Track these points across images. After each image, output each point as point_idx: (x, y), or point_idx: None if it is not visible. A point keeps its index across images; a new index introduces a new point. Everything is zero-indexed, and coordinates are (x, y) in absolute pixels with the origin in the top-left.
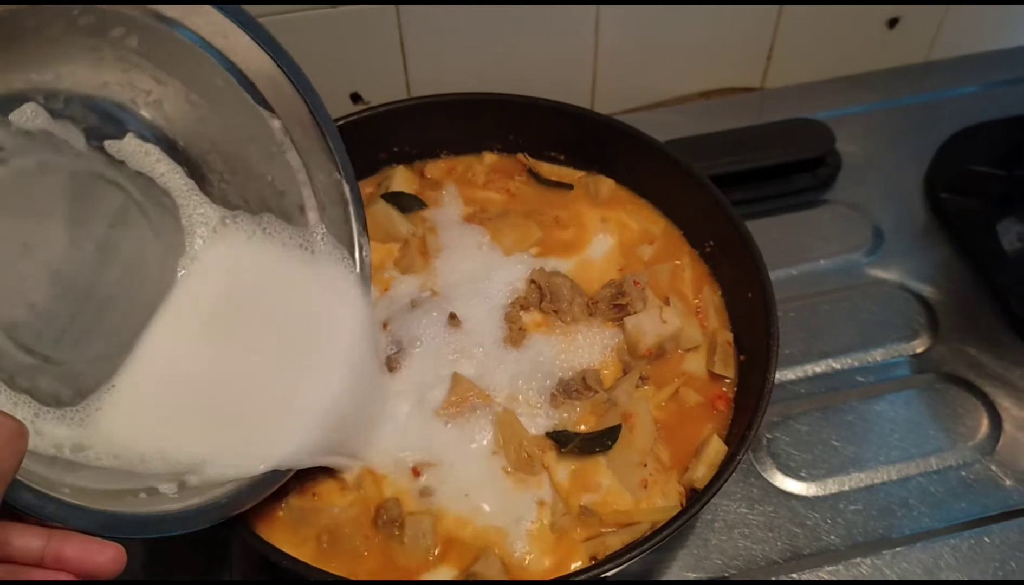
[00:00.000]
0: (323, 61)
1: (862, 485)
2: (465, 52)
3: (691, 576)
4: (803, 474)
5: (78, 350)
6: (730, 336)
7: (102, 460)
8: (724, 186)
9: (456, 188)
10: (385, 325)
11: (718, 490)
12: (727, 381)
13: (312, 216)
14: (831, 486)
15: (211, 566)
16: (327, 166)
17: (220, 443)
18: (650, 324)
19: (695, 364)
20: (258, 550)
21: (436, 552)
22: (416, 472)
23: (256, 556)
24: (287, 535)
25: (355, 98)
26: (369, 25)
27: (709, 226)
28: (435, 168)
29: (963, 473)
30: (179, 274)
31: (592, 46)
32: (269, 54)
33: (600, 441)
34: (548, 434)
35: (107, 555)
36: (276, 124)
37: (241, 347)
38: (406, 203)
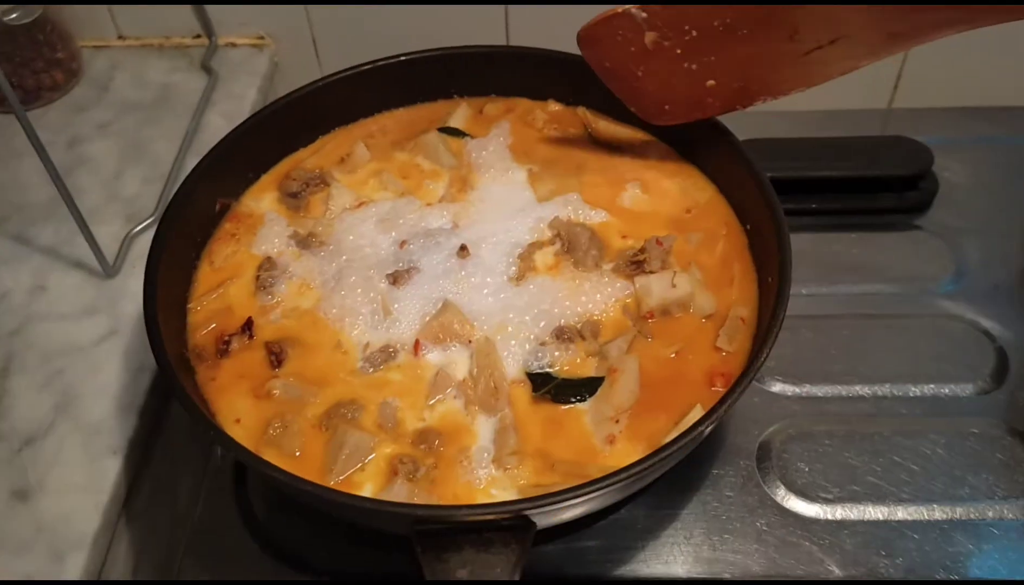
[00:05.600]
0: None
1: (871, 518)
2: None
3: (663, 572)
4: (810, 494)
5: None
6: (745, 313)
7: None
8: (803, 191)
9: (509, 125)
10: (403, 244)
11: (672, 453)
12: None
13: None
14: (837, 512)
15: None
16: None
17: None
18: (658, 286)
19: (701, 332)
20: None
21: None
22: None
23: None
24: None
25: None
26: None
27: (750, 204)
28: (495, 106)
29: (994, 530)
30: None
31: None
32: None
33: (577, 390)
34: (527, 374)
35: None
36: None
37: None
38: (455, 135)
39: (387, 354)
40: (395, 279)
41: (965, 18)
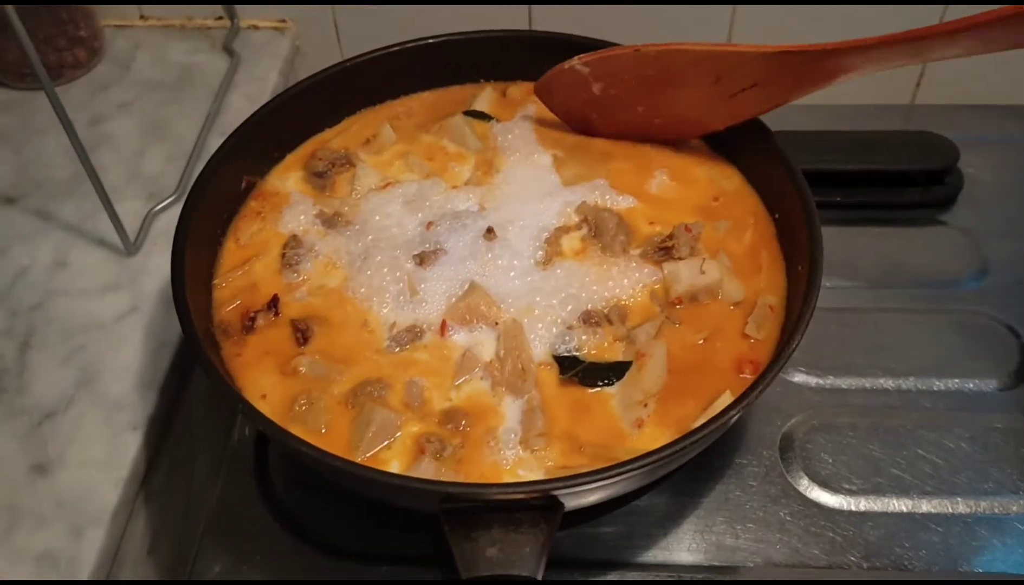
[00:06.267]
0: None
1: (894, 511)
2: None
3: (684, 559)
4: (833, 485)
5: None
6: (774, 301)
7: None
8: (829, 184)
9: (535, 109)
10: (429, 225)
11: (702, 437)
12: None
13: None
14: (861, 504)
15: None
16: None
17: None
18: (687, 273)
19: (730, 319)
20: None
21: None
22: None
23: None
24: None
25: None
26: None
27: (780, 194)
28: (519, 89)
29: (1019, 525)
30: None
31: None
32: None
33: (605, 374)
34: (555, 357)
35: None
36: None
37: None
38: (480, 118)
39: (414, 334)
40: (421, 260)
41: (859, 65)
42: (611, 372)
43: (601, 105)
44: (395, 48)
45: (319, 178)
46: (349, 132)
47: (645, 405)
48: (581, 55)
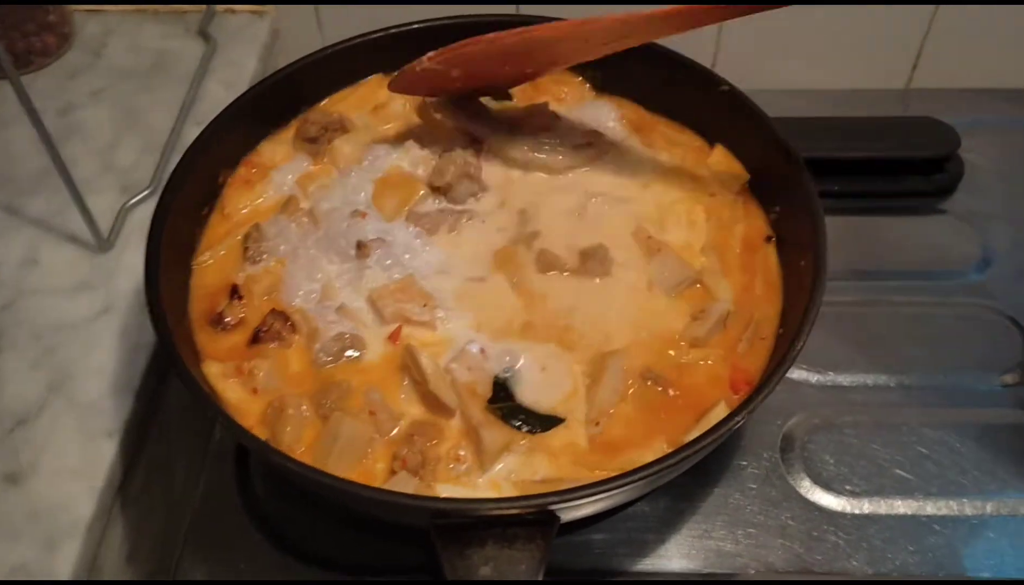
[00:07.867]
0: None
1: (899, 513)
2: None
3: (682, 566)
4: (835, 487)
5: None
6: (772, 312)
7: None
8: (826, 173)
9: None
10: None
11: (701, 449)
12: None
13: None
14: (864, 506)
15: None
16: None
17: None
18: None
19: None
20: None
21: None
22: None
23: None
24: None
25: None
26: None
27: (780, 184)
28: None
29: None
30: None
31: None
32: None
33: (531, 422)
34: (495, 379)
35: None
36: None
37: None
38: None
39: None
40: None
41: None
42: (537, 422)
43: (463, 79)
44: (378, 33)
45: (311, 143)
46: (350, 100)
47: (597, 424)
48: (429, 54)
